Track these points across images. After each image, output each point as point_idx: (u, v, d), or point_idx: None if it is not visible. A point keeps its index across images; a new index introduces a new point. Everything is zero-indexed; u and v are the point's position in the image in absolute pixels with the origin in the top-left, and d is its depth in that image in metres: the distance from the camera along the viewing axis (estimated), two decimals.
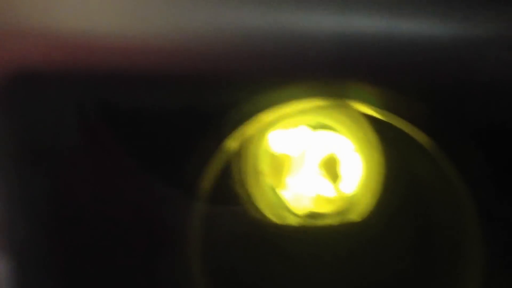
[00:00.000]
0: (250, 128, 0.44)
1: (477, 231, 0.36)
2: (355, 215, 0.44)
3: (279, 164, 0.46)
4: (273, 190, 0.47)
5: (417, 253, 0.40)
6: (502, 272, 0.35)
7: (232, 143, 0.39)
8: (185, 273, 0.40)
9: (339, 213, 0.45)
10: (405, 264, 0.40)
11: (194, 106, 0.35)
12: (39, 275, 0.36)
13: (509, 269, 0.35)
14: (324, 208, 0.46)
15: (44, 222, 0.35)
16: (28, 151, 0.34)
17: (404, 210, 0.41)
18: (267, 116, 0.45)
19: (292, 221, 0.46)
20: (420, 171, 0.40)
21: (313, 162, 0.46)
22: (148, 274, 0.38)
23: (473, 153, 0.35)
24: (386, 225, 0.41)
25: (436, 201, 0.39)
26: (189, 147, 0.36)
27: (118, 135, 0.35)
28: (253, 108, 0.37)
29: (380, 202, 0.42)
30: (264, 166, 0.46)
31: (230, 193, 0.42)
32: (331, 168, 0.46)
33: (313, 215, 0.46)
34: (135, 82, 0.34)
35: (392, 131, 0.40)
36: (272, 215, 0.45)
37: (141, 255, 0.38)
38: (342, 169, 0.46)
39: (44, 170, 0.35)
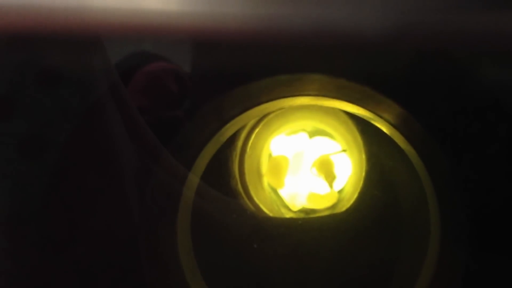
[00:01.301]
0: (251, 130, 0.50)
1: (438, 217, 0.40)
2: (342, 208, 0.48)
3: (278, 166, 0.52)
4: (271, 189, 0.52)
5: (391, 239, 0.44)
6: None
7: (229, 133, 0.44)
8: (174, 263, 0.42)
9: (329, 208, 0.50)
10: (381, 249, 0.44)
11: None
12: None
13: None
14: (316, 204, 0.50)
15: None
16: None
17: (381, 202, 0.45)
18: (268, 122, 0.51)
19: (287, 215, 0.50)
20: (395, 167, 0.45)
21: (308, 163, 0.51)
22: (137, 262, 0.40)
23: (438, 152, 0.40)
24: (367, 215, 0.45)
25: (406, 193, 0.44)
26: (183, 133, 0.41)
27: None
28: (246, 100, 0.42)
29: (362, 196, 0.46)
30: (264, 167, 0.52)
31: (224, 184, 0.47)
32: (326, 168, 0.51)
33: (305, 211, 0.50)
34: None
35: (374, 132, 0.45)
36: (268, 211, 0.50)
37: (129, 243, 0.40)
38: (336, 169, 0.51)
39: None
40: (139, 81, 0.49)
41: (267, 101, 0.44)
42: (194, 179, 0.42)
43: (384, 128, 0.43)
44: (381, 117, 0.42)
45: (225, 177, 0.47)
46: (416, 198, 0.42)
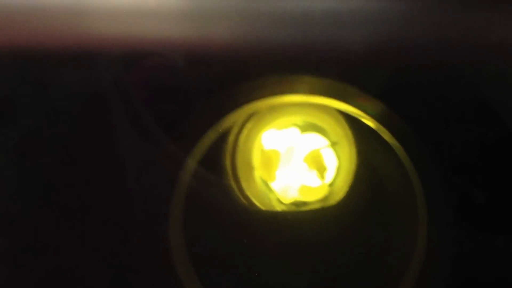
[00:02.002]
0: (243, 124, 0.51)
1: (424, 205, 0.42)
2: (333, 201, 0.49)
3: (269, 159, 0.53)
4: (263, 182, 0.53)
5: (380, 227, 0.45)
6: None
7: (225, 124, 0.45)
8: (166, 249, 0.43)
9: (320, 200, 0.51)
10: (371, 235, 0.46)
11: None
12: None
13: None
14: (307, 197, 0.51)
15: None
16: None
17: (370, 193, 0.46)
18: (260, 117, 0.52)
19: (278, 208, 0.51)
20: (383, 162, 0.46)
21: (299, 157, 0.53)
22: (129, 246, 0.41)
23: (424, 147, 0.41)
24: (357, 207, 0.47)
25: (393, 184, 0.45)
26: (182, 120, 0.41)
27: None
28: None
29: (352, 188, 0.47)
30: (256, 161, 0.53)
31: (216, 178, 0.48)
32: (317, 161, 0.52)
33: (297, 203, 0.51)
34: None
35: (363, 128, 0.46)
36: (260, 204, 0.51)
37: (123, 227, 0.40)
38: (327, 162, 0.52)
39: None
40: (136, 75, 0.50)
41: (260, 98, 0.45)
42: (190, 166, 0.43)
43: (370, 123, 0.45)
44: (367, 113, 0.44)
45: (217, 171, 0.48)
46: (402, 188, 0.44)
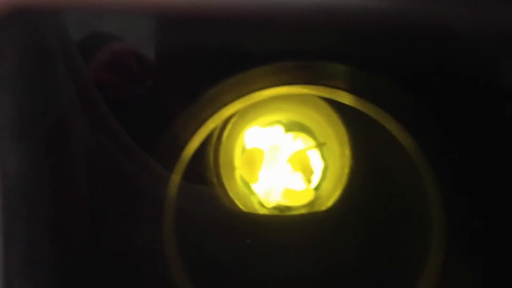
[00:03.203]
0: (227, 120, 0.47)
1: (440, 213, 0.37)
2: (320, 207, 0.46)
3: (252, 159, 0.49)
4: (245, 183, 0.49)
5: (386, 236, 0.41)
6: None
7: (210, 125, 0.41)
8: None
9: (305, 206, 0.48)
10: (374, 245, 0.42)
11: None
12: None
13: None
14: (292, 201, 0.48)
15: None
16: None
17: (371, 198, 0.42)
18: (244, 113, 0.48)
19: (261, 212, 0.48)
20: (388, 162, 0.42)
21: (283, 157, 0.49)
22: (123, 245, 0.38)
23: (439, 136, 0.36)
24: (353, 213, 0.43)
25: (401, 188, 0.41)
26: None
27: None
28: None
29: (347, 192, 0.44)
30: (238, 160, 0.49)
31: (200, 175, 0.43)
32: (302, 163, 0.48)
33: (280, 208, 0.48)
34: None
35: (361, 123, 0.42)
36: (242, 205, 0.47)
37: (118, 226, 0.38)
38: (313, 164, 0.48)
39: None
40: (101, 58, 0.46)
41: (244, 95, 0.41)
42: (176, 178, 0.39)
43: (373, 113, 0.40)
44: (372, 102, 0.39)
45: (201, 168, 0.44)
46: (415, 192, 0.40)
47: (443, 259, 0.37)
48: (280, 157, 0.49)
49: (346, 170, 0.44)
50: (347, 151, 0.44)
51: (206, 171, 0.44)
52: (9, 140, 0.30)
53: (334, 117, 0.45)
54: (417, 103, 0.35)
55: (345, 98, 0.40)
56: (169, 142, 0.39)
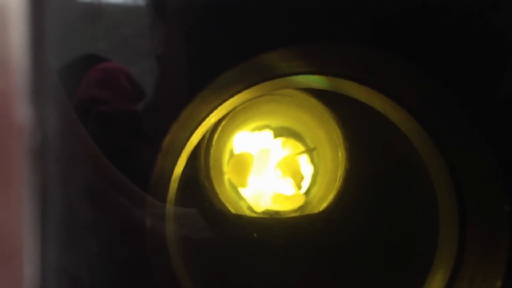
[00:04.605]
0: (216, 126, 0.45)
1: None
2: (309, 211, 0.45)
3: (241, 164, 0.48)
4: (234, 188, 0.48)
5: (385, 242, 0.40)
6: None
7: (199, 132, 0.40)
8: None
9: (295, 210, 0.47)
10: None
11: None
12: None
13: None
14: (282, 206, 0.47)
15: None
16: None
17: (368, 202, 0.41)
18: (233, 118, 0.47)
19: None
20: (383, 163, 0.41)
21: (273, 162, 0.48)
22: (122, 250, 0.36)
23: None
24: (349, 217, 0.42)
25: (399, 189, 0.40)
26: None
27: None
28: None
29: (341, 194, 0.43)
30: (227, 165, 0.48)
31: (193, 178, 0.42)
32: (292, 168, 0.48)
33: (270, 213, 0.47)
34: None
35: (356, 125, 0.41)
36: (232, 208, 0.45)
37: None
38: (303, 169, 0.48)
39: None
40: (94, 75, 0.46)
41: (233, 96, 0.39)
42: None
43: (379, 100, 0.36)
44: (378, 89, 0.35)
45: (194, 170, 0.43)
46: (412, 192, 0.39)
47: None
48: (269, 161, 0.48)
49: (340, 173, 0.43)
50: (341, 154, 0.43)
51: (197, 173, 0.43)
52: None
53: (328, 119, 0.44)
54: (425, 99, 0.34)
55: (352, 87, 0.37)
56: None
